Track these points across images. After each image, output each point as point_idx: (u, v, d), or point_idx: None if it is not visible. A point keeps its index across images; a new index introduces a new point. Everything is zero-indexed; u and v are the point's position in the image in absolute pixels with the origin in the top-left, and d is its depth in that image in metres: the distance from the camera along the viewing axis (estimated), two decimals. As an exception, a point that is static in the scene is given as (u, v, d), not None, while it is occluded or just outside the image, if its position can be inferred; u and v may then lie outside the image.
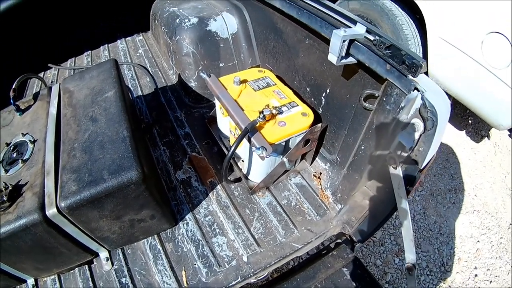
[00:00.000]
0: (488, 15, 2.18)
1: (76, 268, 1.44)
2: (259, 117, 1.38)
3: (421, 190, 2.71)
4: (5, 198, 1.12)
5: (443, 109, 1.03)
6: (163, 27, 2.22)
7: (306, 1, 1.46)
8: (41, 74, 2.55)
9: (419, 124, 1.07)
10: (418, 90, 1.05)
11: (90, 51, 2.73)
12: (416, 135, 1.09)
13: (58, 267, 1.39)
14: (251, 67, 1.82)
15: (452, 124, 3.28)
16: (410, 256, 1.15)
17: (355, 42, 1.21)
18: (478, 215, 2.62)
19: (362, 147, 1.42)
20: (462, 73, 2.43)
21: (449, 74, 2.53)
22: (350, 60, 1.26)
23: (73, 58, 2.69)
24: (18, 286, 1.41)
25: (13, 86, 1.46)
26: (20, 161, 1.27)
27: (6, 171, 1.26)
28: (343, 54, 1.23)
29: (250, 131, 1.34)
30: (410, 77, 1.07)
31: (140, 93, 2.24)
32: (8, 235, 1.08)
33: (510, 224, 2.58)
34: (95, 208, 1.16)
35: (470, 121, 3.27)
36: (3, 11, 1.97)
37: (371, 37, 1.17)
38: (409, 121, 1.09)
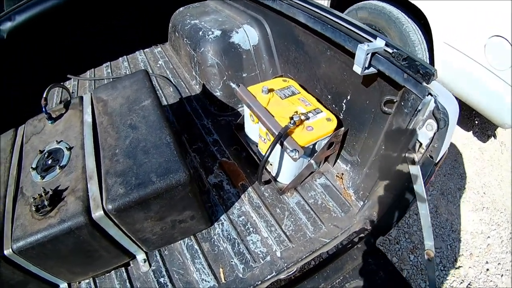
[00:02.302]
0: (489, 19, 2.35)
1: (113, 271, 1.53)
2: (290, 122, 1.56)
3: (432, 190, 2.89)
4: (46, 203, 1.15)
5: (453, 110, 1.22)
6: (185, 39, 2.40)
7: (327, 16, 1.65)
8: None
9: (433, 124, 1.26)
10: (432, 95, 1.24)
11: (109, 62, 2.90)
12: (431, 134, 1.28)
13: (94, 270, 1.46)
14: (275, 77, 2.01)
15: (459, 125, 3.47)
16: (429, 243, 1.30)
17: (376, 54, 1.40)
18: (487, 212, 2.78)
19: (383, 147, 1.60)
20: (467, 75, 2.60)
21: (454, 76, 2.70)
22: (372, 70, 1.44)
23: (92, 69, 2.85)
24: None
25: (44, 95, 1.52)
26: (57, 167, 1.32)
27: (42, 177, 1.30)
28: (367, 65, 1.42)
29: (283, 135, 1.53)
30: (424, 84, 1.26)
31: (165, 103, 2.41)
32: (50, 238, 1.12)
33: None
34: (142, 209, 1.24)
35: (476, 122, 3.45)
36: (21, 23, 2.11)
37: (390, 50, 1.36)
38: (425, 121, 1.29)
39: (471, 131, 3.40)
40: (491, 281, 2.43)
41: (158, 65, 2.83)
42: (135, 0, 3.00)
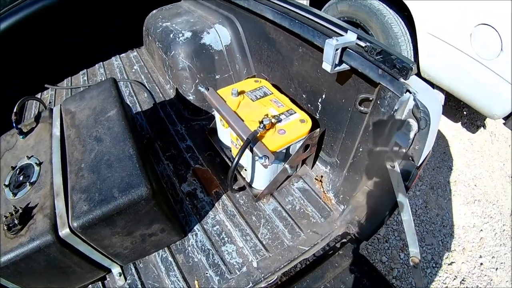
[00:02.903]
0: (475, 7, 2.26)
1: (90, 286, 1.48)
2: (260, 127, 1.46)
3: (421, 184, 2.79)
4: (16, 222, 1.15)
5: (435, 108, 1.11)
6: (157, 43, 2.29)
7: (296, 11, 1.54)
8: (38, 95, 2.62)
9: (413, 124, 1.15)
10: (410, 92, 1.13)
11: (85, 70, 2.80)
12: (411, 134, 1.17)
13: (71, 285, 1.43)
14: (247, 78, 1.90)
15: (447, 117, 3.37)
16: (414, 250, 1.21)
17: (347, 49, 1.29)
18: (479, 204, 2.70)
19: (360, 149, 1.49)
20: (453, 66, 2.51)
21: (440, 68, 2.61)
22: (344, 67, 1.34)
23: (69, 77, 2.76)
24: None
25: (14, 110, 1.49)
26: (27, 184, 1.30)
27: (14, 194, 1.28)
28: (337, 62, 1.31)
29: (252, 141, 1.42)
30: (402, 80, 1.15)
31: (139, 109, 2.31)
32: (22, 257, 1.11)
33: None
34: (107, 225, 1.21)
35: (465, 113, 3.36)
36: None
37: (362, 44, 1.25)
38: (404, 122, 1.18)
39: (460, 122, 3.31)
40: (485, 275, 2.36)
41: (134, 70, 2.72)
42: (112, 3, 2.90)
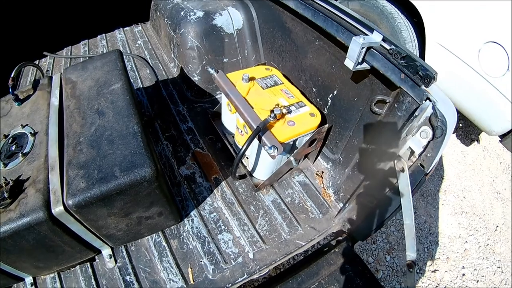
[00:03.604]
0: (486, 24, 2.26)
1: (78, 266, 1.43)
2: (270, 116, 1.42)
3: (413, 191, 2.81)
4: (6, 195, 1.07)
5: (452, 119, 1.10)
6: (166, 19, 2.22)
7: (321, 3, 1.49)
8: (35, 62, 2.50)
9: (428, 131, 1.13)
10: (430, 100, 1.11)
11: (87, 40, 2.69)
12: (425, 142, 1.15)
13: (59, 265, 1.37)
14: (258, 65, 1.85)
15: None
16: (411, 254, 1.21)
17: (372, 49, 1.26)
18: (466, 216, 2.73)
19: (369, 149, 1.48)
20: (458, 79, 2.52)
21: (445, 78, 2.62)
22: (365, 66, 1.31)
23: (69, 46, 2.64)
24: (15, 285, 1.38)
25: (12, 75, 1.41)
26: (20, 154, 1.22)
27: (5, 165, 1.21)
28: (360, 60, 1.28)
29: (262, 130, 1.38)
30: (423, 87, 1.13)
31: (140, 85, 2.24)
32: (10, 234, 1.05)
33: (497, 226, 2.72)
34: (105, 205, 1.15)
35: (460, 125, 3.39)
36: None
37: (387, 46, 1.22)
38: (419, 128, 1.16)
39: (455, 134, 3.34)
40: (466, 286, 2.39)
41: (137, 45, 2.62)
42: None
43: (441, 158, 3.12)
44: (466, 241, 2.60)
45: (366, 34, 1.28)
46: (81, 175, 1.11)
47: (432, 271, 2.43)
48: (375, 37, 1.25)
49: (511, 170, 3.16)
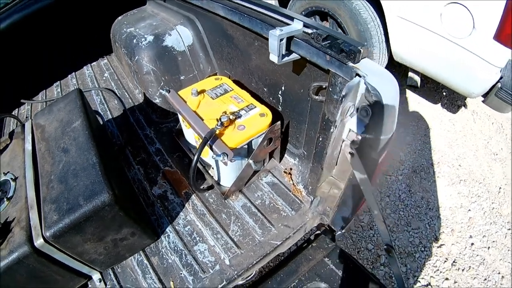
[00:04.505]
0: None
1: None
2: (217, 124, 1.48)
3: (403, 168, 2.79)
4: None
5: (389, 89, 1.08)
6: (123, 49, 2.30)
7: (246, 5, 1.53)
8: (15, 111, 2.67)
9: (368, 108, 1.13)
10: (360, 76, 1.10)
11: (59, 82, 2.84)
12: (367, 120, 1.15)
13: None
14: (208, 76, 1.90)
15: (426, 99, 3.36)
16: (385, 239, 1.21)
17: (294, 38, 1.27)
18: (465, 184, 2.69)
19: (320, 139, 1.49)
20: (426, 48, 2.50)
21: (413, 51, 2.61)
22: (294, 56, 1.33)
23: (44, 90, 2.79)
24: None
25: None
26: (5, 199, 1.37)
27: None
28: (283, 52, 1.30)
29: (209, 139, 1.42)
30: (350, 64, 1.12)
31: (110, 116, 2.35)
32: (5, 269, 1.17)
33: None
34: (77, 233, 1.26)
35: (444, 94, 3.34)
36: None
37: (309, 31, 1.24)
38: (357, 108, 1.15)
39: (440, 103, 3.30)
40: (477, 255, 2.36)
41: (104, 77, 2.75)
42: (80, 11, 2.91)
43: (428, 130, 3.07)
44: (469, 209, 2.56)
45: (289, 24, 1.30)
46: (54, 209, 1.25)
47: (438, 247, 2.40)
48: (296, 26, 1.28)
49: (506, 129, 3.08)
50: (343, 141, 1.31)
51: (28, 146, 1.58)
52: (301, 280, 1.49)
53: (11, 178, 1.44)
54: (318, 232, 1.67)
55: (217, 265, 1.52)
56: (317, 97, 1.42)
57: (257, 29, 1.46)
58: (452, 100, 3.29)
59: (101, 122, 2.22)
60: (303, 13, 3.16)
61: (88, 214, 1.22)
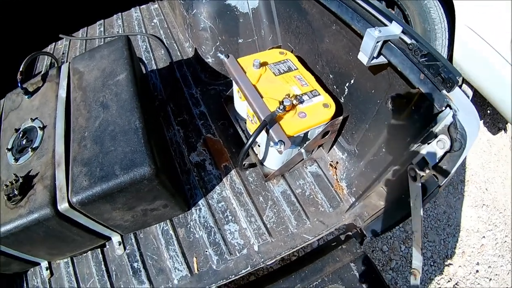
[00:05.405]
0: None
1: (89, 252, 1.45)
2: (279, 108, 1.31)
3: (434, 180, 2.67)
4: (16, 192, 1.11)
5: (473, 131, 0.96)
6: (179, -2, 2.11)
7: None
8: (52, 45, 2.46)
9: (445, 141, 0.99)
10: (451, 108, 0.97)
11: (103, 20, 2.60)
12: (441, 152, 1.01)
13: (71, 251, 1.42)
14: (272, 48, 1.73)
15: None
16: (416, 263, 1.14)
17: (389, 42, 1.12)
18: (487, 209, 2.58)
19: (383, 150, 1.36)
20: (487, 65, 2.30)
21: (473, 64, 2.41)
22: (381, 60, 1.16)
23: (85, 27, 2.57)
24: (32, 269, 1.44)
25: (20, 68, 1.39)
26: (29, 149, 1.24)
27: (16, 160, 1.23)
28: (375, 55, 1.14)
29: (268, 123, 1.28)
30: (444, 92, 0.99)
31: (154, 67, 2.15)
32: (21, 229, 1.09)
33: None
34: (107, 202, 1.15)
35: (488, 112, 3.15)
36: None
37: (407, 40, 1.07)
38: (435, 136, 1.03)
39: (482, 121, 3.11)
40: (478, 284, 2.30)
41: (153, 24, 2.52)
42: None
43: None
44: (484, 236, 2.47)
45: (384, 24, 1.14)
46: (84, 173, 1.12)
47: (446, 265, 2.33)
48: (394, 29, 1.09)
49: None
50: (410, 164, 1.19)
51: (62, 92, 1.41)
52: (324, 281, 1.41)
53: (39, 127, 1.29)
54: (350, 234, 1.59)
55: (245, 249, 1.43)
56: (392, 107, 1.29)
57: (346, 17, 1.26)
58: (495, 120, 3.09)
59: (144, 72, 2.04)
60: (371, -5, 2.93)
61: (123, 186, 1.10)
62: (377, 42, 1.08)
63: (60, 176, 1.15)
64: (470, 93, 2.58)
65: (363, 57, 1.14)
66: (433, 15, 2.45)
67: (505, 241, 2.45)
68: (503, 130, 3.04)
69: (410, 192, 1.11)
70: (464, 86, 2.58)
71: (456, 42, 2.41)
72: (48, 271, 1.42)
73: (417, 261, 1.14)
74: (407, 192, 1.13)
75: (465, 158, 2.77)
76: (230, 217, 1.52)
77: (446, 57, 2.57)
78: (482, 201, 2.61)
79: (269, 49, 1.74)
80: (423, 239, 2.34)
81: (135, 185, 1.12)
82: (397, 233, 2.42)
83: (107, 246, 1.47)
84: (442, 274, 2.29)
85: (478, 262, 2.35)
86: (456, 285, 2.26)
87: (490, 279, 2.29)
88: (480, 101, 3.16)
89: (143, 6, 2.69)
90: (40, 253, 1.35)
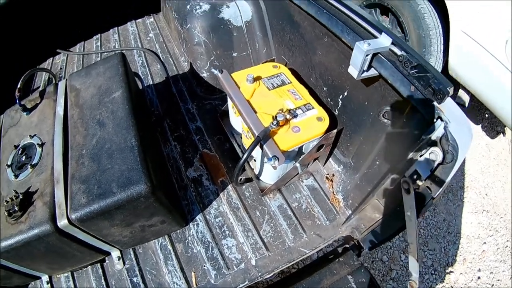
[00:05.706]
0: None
1: (89, 266, 1.45)
2: (272, 123, 1.31)
3: (433, 187, 2.65)
4: (16, 208, 1.12)
5: (465, 142, 0.95)
6: (173, 13, 2.10)
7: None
8: (49, 60, 2.46)
9: (438, 153, 0.99)
10: (442, 120, 0.97)
11: (99, 35, 2.61)
12: (433, 164, 1.01)
13: (71, 266, 1.42)
14: (266, 61, 1.72)
15: (469, 118, 3.16)
16: (413, 275, 1.14)
17: (379, 55, 1.12)
18: (487, 215, 2.55)
19: (377, 162, 1.35)
20: (483, 70, 2.29)
21: (469, 69, 2.39)
22: (372, 73, 1.17)
23: (82, 42, 2.57)
24: (33, 283, 1.44)
25: (18, 85, 1.40)
26: (29, 165, 1.25)
27: (16, 176, 1.24)
28: (365, 68, 1.14)
29: (262, 139, 1.28)
30: (435, 103, 0.99)
31: (150, 82, 2.15)
32: (22, 244, 1.10)
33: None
34: (106, 219, 1.16)
35: (486, 116, 3.13)
36: None
37: (398, 51, 1.07)
38: (427, 149, 1.02)
39: (480, 125, 3.09)
40: None
41: (148, 38, 2.52)
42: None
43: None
44: (485, 242, 2.44)
45: (374, 36, 1.13)
46: (83, 190, 1.13)
47: (447, 273, 2.31)
48: (383, 41, 1.09)
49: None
50: (403, 176, 1.18)
51: (60, 110, 1.42)
52: (321, 293, 1.41)
53: (38, 143, 1.31)
54: (347, 246, 1.57)
55: (242, 263, 1.43)
56: (384, 120, 1.28)
57: (336, 30, 1.27)
58: (493, 124, 3.07)
59: (141, 87, 2.04)
60: (364, 3, 2.92)
61: (120, 203, 1.11)
62: (367, 55, 1.07)
63: (59, 193, 1.16)
64: (466, 98, 2.57)
65: (353, 71, 1.14)
66: (427, 20, 2.45)
67: (507, 246, 2.42)
68: (501, 134, 3.02)
69: (404, 205, 1.10)
70: (461, 92, 2.57)
71: (451, 47, 2.40)
72: (49, 285, 1.43)
73: (414, 272, 1.13)
74: (402, 204, 1.12)
75: (463, 164, 2.79)
76: (227, 232, 1.51)
77: (441, 63, 2.57)
78: (482, 207, 2.58)
79: (263, 62, 1.74)
80: (422, 248, 2.36)
81: (132, 202, 1.13)
82: (397, 242, 2.40)
83: (107, 261, 1.47)
84: (444, 282, 2.26)
85: (479, 269, 2.32)
86: (457, 293, 2.23)
87: (492, 285, 2.26)
88: (478, 105, 3.14)
89: (139, 20, 2.70)
90: (41, 268, 1.36)
